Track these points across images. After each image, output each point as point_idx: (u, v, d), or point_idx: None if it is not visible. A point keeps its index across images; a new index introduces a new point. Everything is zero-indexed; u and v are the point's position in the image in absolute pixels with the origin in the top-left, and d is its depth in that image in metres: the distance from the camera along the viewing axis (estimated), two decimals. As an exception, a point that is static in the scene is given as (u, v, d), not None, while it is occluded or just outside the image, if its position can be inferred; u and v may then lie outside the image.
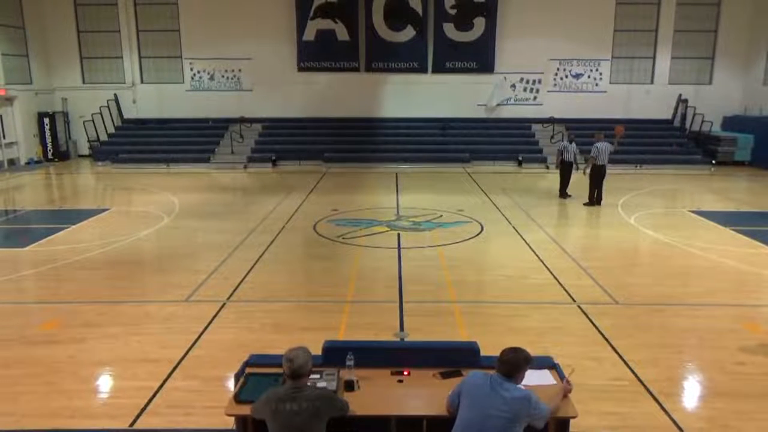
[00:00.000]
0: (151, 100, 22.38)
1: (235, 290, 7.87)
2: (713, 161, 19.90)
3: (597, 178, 13.39)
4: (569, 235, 11.47)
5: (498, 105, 22.13)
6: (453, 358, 4.24)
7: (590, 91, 22.00)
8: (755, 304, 7.58)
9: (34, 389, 5.26)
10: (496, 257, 9.76)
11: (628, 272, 8.87)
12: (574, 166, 14.39)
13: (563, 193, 14.32)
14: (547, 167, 19.66)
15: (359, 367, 3.95)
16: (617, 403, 5.02)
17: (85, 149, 22.39)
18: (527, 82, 22.07)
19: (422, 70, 21.89)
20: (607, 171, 13.67)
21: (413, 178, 17.73)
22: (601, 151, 13.24)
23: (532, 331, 6.54)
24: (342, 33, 21.55)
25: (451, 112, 21.94)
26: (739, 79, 21.68)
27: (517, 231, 11.14)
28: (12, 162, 20.34)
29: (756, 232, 10.99)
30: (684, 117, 21.66)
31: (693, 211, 13.02)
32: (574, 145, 14.19)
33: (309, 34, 21.55)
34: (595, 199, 13.45)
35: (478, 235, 10.92)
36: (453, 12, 21.43)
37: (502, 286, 8.19)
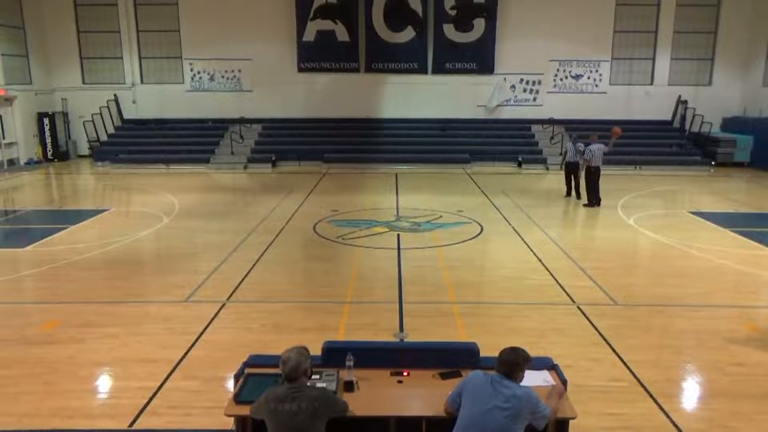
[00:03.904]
0: (151, 100, 22.38)
1: (234, 291, 7.87)
2: (713, 162, 19.92)
3: (592, 180, 13.40)
4: (569, 235, 11.47)
5: (498, 106, 22.14)
6: (452, 358, 4.24)
7: (590, 92, 22.02)
8: (754, 305, 7.59)
9: (34, 389, 5.26)
10: (496, 258, 9.77)
11: (627, 273, 8.88)
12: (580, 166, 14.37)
13: (577, 195, 14.31)
14: (547, 168, 19.68)
15: (359, 367, 3.96)
16: (616, 404, 5.03)
17: (84, 149, 22.39)
18: (527, 82, 22.09)
19: (422, 70, 21.89)
20: (607, 172, 13.72)
21: (413, 179, 17.74)
22: (595, 153, 13.27)
23: (532, 332, 6.54)
24: (342, 34, 21.56)
25: (451, 113, 21.95)
26: (738, 80, 21.70)
27: (516, 232, 11.15)
28: (12, 162, 20.33)
29: (755, 233, 10.99)
30: (684, 118, 21.67)
31: (692, 212, 13.02)
32: (570, 145, 14.29)
33: (309, 35, 21.56)
34: (594, 200, 13.46)
35: (477, 235, 10.92)
36: (453, 13, 21.44)
37: (501, 287, 8.20)
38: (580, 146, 13.97)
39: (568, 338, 6.40)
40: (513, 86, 22.09)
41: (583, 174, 13.64)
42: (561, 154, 19.19)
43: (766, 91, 20.51)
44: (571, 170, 14.31)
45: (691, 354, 6.09)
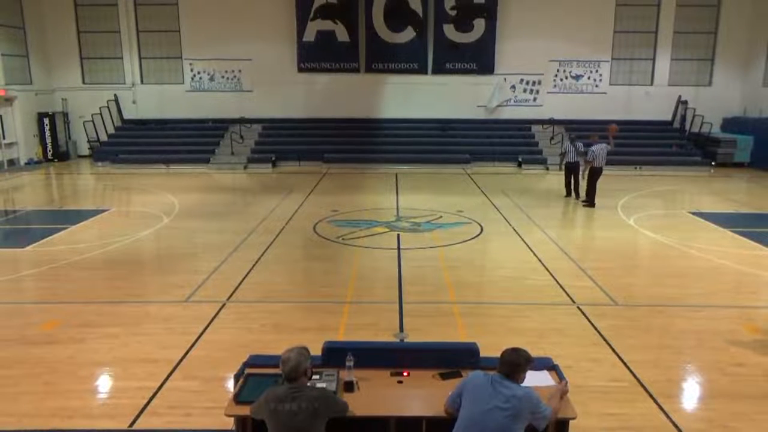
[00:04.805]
0: (151, 100, 22.38)
1: (235, 291, 7.87)
2: (713, 162, 19.92)
3: (593, 180, 13.41)
4: (569, 236, 11.47)
5: (498, 106, 22.14)
6: (452, 358, 4.24)
7: (590, 92, 22.02)
8: (754, 306, 7.59)
9: (34, 389, 5.26)
10: (496, 258, 9.77)
11: (627, 273, 8.88)
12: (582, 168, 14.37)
13: (576, 195, 14.28)
14: (547, 168, 19.68)
15: (359, 367, 3.96)
16: (616, 404, 5.03)
17: (84, 149, 22.39)
18: (527, 83, 22.09)
19: (422, 71, 21.89)
20: (607, 172, 13.76)
21: (413, 179, 17.74)
22: (597, 154, 13.28)
23: (532, 332, 6.54)
24: (342, 34, 21.56)
25: (451, 113, 21.95)
26: (738, 80, 21.70)
27: (516, 232, 11.15)
28: (12, 162, 20.33)
29: (755, 234, 10.99)
30: (684, 118, 21.67)
31: (692, 213, 13.02)
32: (569, 145, 14.30)
33: (309, 35, 21.56)
34: (590, 201, 13.47)
35: (477, 236, 10.92)
36: (453, 13, 21.44)
37: (501, 287, 8.20)
38: (580, 146, 14.01)
39: (568, 338, 6.40)
40: (513, 86, 22.09)
41: (585, 174, 13.59)
42: (560, 154, 19.20)
43: (766, 91, 20.51)
44: (571, 171, 14.33)
45: (691, 354, 6.09)
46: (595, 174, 13.35)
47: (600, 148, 13.31)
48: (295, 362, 3.44)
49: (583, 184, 13.85)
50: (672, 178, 18.15)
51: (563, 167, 14.67)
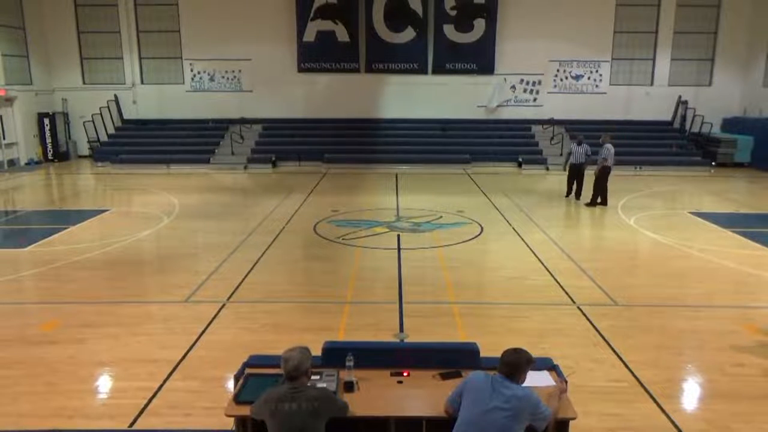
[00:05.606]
0: (151, 100, 22.39)
1: (235, 291, 7.87)
2: (713, 163, 19.92)
3: (604, 180, 13.40)
4: (569, 236, 11.45)
5: (498, 106, 22.14)
6: (453, 359, 4.24)
7: (590, 93, 22.02)
8: (755, 306, 7.59)
9: (34, 389, 5.27)
10: (496, 258, 9.76)
11: (627, 273, 8.87)
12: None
13: (576, 196, 14.26)
14: (547, 168, 19.67)
15: (359, 367, 3.96)
16: (617, 405, 5.02)
17: (85, 150, 22.40)
18: (527, 83, 22.09)
19: (422, 71, 21.90)
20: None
21: (413, 179, 17.74)
22: (611, 152, 13.32)
23: (532, 332, 6.54)
24: (342, 34, 21.57)
25: (451, 113, 21.95)
26: (738, 80, 21.71)
27: (516, 232, 11.15)
28: (12, 162, 20.34)
29: (755, 234, 10.99)
30: (684, 118, 21.67)
31: (692, 213, 13.02)
32: (575, 146, 14.21)
33: (309, 35, 21.57)
34: (601, 200, 13.45)
35: (477, 236, 10.92)
36: (453, 13, 21.45)
37: (501, 287, 8.20)
38: (587, 149, 13.92)
39: (568, 339, 6.40)
40: (513, 86, 22.10)
41: (595, 174, 13.56)
42: (561, 154, 19.19)
43: (766, 91, 20.51)
44: (575, 172, 14.17)
45: (692, 355, 6.09)
46: (606, 173, 13.36)
47: (611, 148, 13.36)
48: (297, 361, 3.44)
49: (587, 186, 13.79)
50: (672, 178, 18.14)
51: (567, 168, 14.54)
